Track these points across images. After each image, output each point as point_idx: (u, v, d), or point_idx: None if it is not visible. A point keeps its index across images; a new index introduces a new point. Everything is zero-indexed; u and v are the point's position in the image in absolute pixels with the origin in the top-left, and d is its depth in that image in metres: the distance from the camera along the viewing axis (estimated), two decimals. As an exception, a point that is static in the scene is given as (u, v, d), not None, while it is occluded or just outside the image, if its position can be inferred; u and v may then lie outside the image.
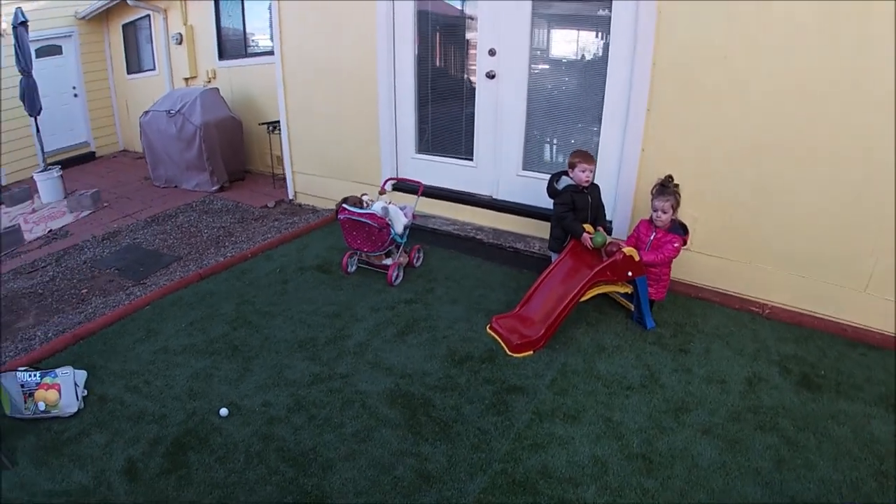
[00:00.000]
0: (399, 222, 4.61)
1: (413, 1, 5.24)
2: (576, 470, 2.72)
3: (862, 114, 3.41)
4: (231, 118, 8.13)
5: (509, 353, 3.66)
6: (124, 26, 10.90)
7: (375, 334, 3.96)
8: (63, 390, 3.25)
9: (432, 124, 5.65)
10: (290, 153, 6.83)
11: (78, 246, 6.19)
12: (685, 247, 3.83)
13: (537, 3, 4.58)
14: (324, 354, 3.75)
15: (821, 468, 2.69)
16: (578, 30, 4.72)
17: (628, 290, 3.86)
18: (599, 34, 4.49)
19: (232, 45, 8.84)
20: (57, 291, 5.08)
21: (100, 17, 11.08)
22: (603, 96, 4.39)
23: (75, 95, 11.28)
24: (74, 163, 10.83)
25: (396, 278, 4.67)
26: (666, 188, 3.67)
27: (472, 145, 5.31)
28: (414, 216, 4.87)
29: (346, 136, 6.15)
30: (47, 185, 8.34)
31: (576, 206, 4.04)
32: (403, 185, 5.56)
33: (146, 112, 8.30)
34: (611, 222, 4.48)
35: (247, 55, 8.57)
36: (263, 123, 7.92)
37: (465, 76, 5.32)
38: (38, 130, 8.66)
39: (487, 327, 3.94)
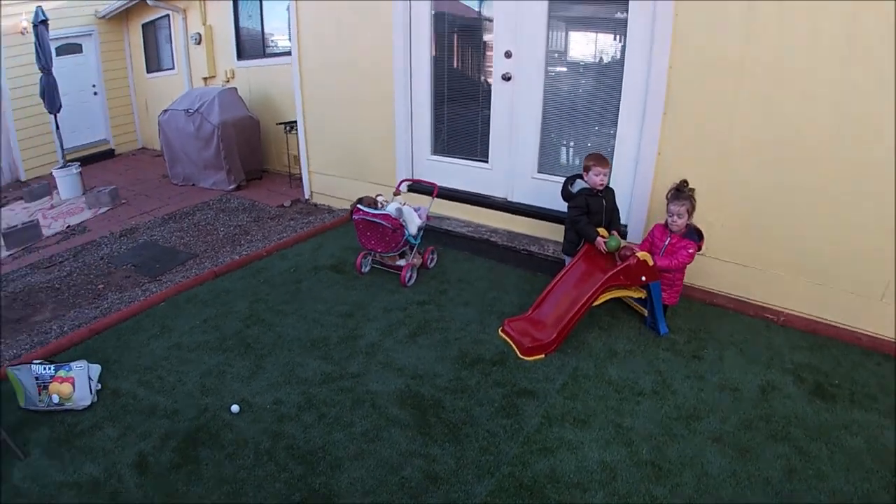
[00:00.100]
0: (413, 223, 4.62)
1: (430, 2, 5.25)
2: (584, 475, 2.71)
3: (885, 120, 3.35)
4: (249, 118, 8.18)
5: (521, 356, 3.65)
6: (144, 26, 11.01)
7: (387, 335, 3.97)
8: (77, 384, 3.29)
9: (448, 126, 5.65)
10: (306, 153, 6.87)
11: (95, 242, 6.26)
12: (700, 252, 3.80)
13: (553, 5, 4.57)
14: (335, 354, 3.77)
15: (832, 479, 2.66)
16: (595, 32, 4.70)
17: (642, 294, 3.83)
18: (616, 36, 4.47)
19: (250, 46, 8.90)
20: (74, 286, 5.14)
21: (120, 17, 11.21)
22: (619, 99, 4.36)
23: (95, 93, 11.41)
24: (94, 160, 10.97)
25: (410, 279, 4.67)
26: (681, 193, 3.65)
27: (488, 147, 5.30)
28: (428, 217, 4.88)
29: (362, 136, 6.17)
30: (66, 182, 8.44)
31: (590, 209, 4.02)
32: (418, 187, 5.57)
33: (165, 111, 8.38)
34: (626, 226, 4.46)
35: (265, 55, 8.62)
36: (281, 123, 7.96)
37: (482, 78, 5.31)
38: (57, 127, 8.76)
39: (499, 330, 3.93)
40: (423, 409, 3.19)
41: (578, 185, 4.07)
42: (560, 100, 4.82)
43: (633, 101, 4.26)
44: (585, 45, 4.80)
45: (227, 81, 9.19)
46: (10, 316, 4.65)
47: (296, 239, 5.78)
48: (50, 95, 8.39)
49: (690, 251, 3.65)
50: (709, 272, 4.20)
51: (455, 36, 5.45)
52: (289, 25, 6.65)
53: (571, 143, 4.98)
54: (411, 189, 5.68)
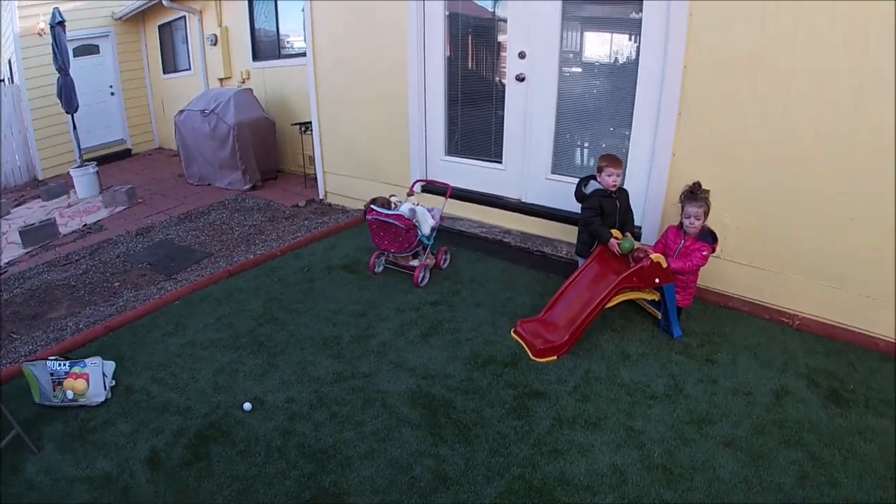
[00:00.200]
0: (426, 224, 4.62)
1: (443, 2, 5.26)
2: (594, 478, 2.69)
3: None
4: (264, 118, 8.24)
5: (532, 357, 3.63)
6: (160, 27, 11.14)
7: (399, 334, 3.97)
8: (91, 380, 3.33)
9: (462, 126, 5.66)
10: (321, 153, 6.91)
11: (112, 240, 6.33)
12: (714, 254, 3.77)
13: (567, 6, 4.56)
14: (347, 353, 3.78)
15: (845, 486, 2.62)
16: (609, 32, 4.68)
17: (655, 297, 3.80)
18: (630, 37, 4.45)
19: (266, 47, 8.96)
20: (90, 284, 5.20)
21: (136, 18, 11.35)
22: (633, 100, 4.34)
23: (112, 94, 11.56)
24: (110, 159, 11.11)
25: (422, 279, 4.68)
26: (695, 195, 3.62)
27: (501, 148, 5.30)
28: (441, 218, 4.88)
29: (376, 137, 6.19)
30: (83, 181, 8.55)
31: (603, 210, 4.00)
32: (432, 187, 5.58)
33: (181, 111, 8.46)
34: (639, 228, 4.43)
35: (280, 56, 8.68)
36: (296, 124, 8.01)
37: (495, 78, 5.31)
38: (74, 127, 8.88)
39: (511, 331, 3.92)
40: (434, 410, 3.19)
41: (592, 186, 4.05)
42: (574, 100, 4.80)
43: (648, 101, 4.24)
44: (600, 46, 4.78)
45: (243, 82, 9.27)
46: (26, 312, 4.71)
47: (310, 239, 5.81)
48: (67, 96, 8.50)
49: (704, 253, 3.62)
50: (723, 274, 4.17)
51: (469, 36, 5.46)
52: (303, 26, 6.69)
53: (585, 144, 4.97)
54: (425, 189, 5.69)
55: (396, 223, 4.46)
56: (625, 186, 4.25)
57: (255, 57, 9.08)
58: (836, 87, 3.46)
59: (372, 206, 4.65)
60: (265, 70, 8.93)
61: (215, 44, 9.50)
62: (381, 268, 4.96)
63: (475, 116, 5.52)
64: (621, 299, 3.72)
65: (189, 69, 10.63)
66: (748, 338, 3.80)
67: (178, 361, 3.76)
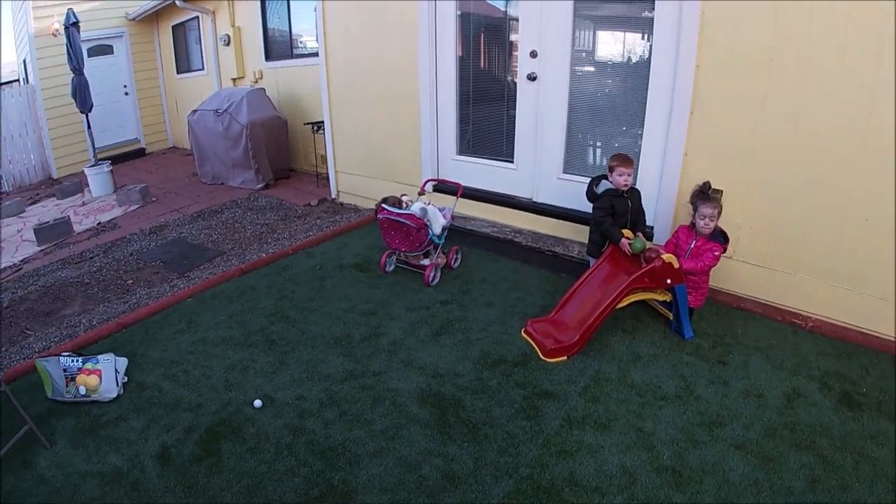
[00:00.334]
0: (437, 223, 4.62)
1: (455, 2, 5.26)
2: (603, 479, 2.68)
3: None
4: (277, 118, 8.27)
5: (543, 357, 3.62)
6: (174, 27, 11.22)
7: (410, 333, 3.98)
8: (104, 376, 3.36)
9: (473, 126, 5.65)
10: (333, 153, 6.93)
11: (125, 238, 6.38)
12: (726, 255, 3.74)
13: (579, 5, 4.54)
14: (358, 351, 3.79)
15: (856, 490, 2.58)
16: (621, 31, 4.65)
17: (667, 297, 3.78)
18: (642, 36, 4.43)
19: (278, 47, 9.00)
20: (103, 281, 5.25)
21: (149, 19, 11.44)
22: (645, 99, 4.32)
23: (126, 93, 11.66)
24: (125, 158, 11.22)
25: (433, 279, 4.68)
26: (706, 194, 3.60)
27: (513, 147, 5.28)
28: (453, 217, 4.88)
29: (387, 136, 6.21)
30: (97, 180, 8.63)
31: (615, 210, 3.98)
32: (443, 187, 5.59)
33: (194, 111, 8.52)
34: (651, 228, 4.40)
35: (293, 56, 8.71)
36: (308, 123, 8.04)
37: (507, 78, 5.30)
38: (89, 127, 8.97)
39: (522, 331, 3.91)
40: (443, 409, 3.19)
41: (603, 185, 4.04)
42: (586, 100, 4.79)
43: (660, 100, 4.22)
44: (611, 45, 4.76)
45: (256, 82, 9.31)
46: (40, 309, 4.77)
47: (321, 237, 5.83)
48: (82, 95, 8.60)
49: (717, 253, 3.60)
50: (736, 275, 4.14)
51: (480, 36, 5.45)
52: (316, 26, 6.71)
53: (597, 144, 4.95)
54: (436, 189, 5.69)
55: (408, 222, 4.46)
56: (636, 186, 4.23)
57: (268, 57, 9.12)
58: (849, 86, 3.42)
59: (383, 205, 4.66)
60: (278, 70, 8.97)
61: (228, 44, 9.55)
62: (392, 267, 4.97)
63: (487, 116, 5.52)
64: (632, 300, 3.70)
65: (202, 69, 10.70)
66: (760, 339, 3.77)
67: (189, 358, 3.78)
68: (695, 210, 3.66)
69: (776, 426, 2.98)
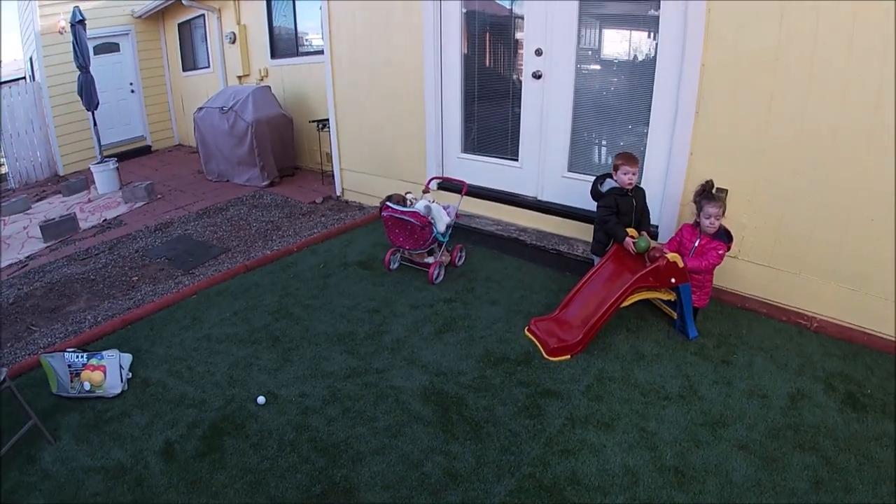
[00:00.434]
0: (442, 221, 4.62)
1: (461, 0, 5.25)
2: (605, 479, 2.68)
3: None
4: (282, 115, 8.28)
5: (546, 356, 3.62)
6: (179, 25, 11.24)
7: (413, 331, 3.98)
8: (108, 372, 3.38)
9: (478, 124, 5.65)
10: (338, 151, 6.94)
11: (131, 235, 6.40)
12: (731, 255, 3.72)
13: (584, 4, 4.53)
14: (361, 349, 3.79)
15: (860, 492, 2.57)
16: (626, 30, 4.64)
17: (671, 296, 3.77)
18: (647, 34, 4.42)
19: (284, 44, 9.00)
20: (108, 278, 5.26)
21: (156, 16, 11.46)
22: (650, 98, 4.31)
23: (132, 91, 11.69)
24: (131, 156, 11.25)
25: (437, 277, 4.68)
26: (710, 193, 3.59)
27: (518, 146, 5.28)
28: (457, 215, 4.88)
29: (392, 134, 6.21)
30: (103, 177, 8.65)
31: (619, 209, 3.98)
32: (448, 185, 5.58)
33: (200, 108, 8.53)
34: (656, 227, 4.38)
35: (298, 54, 8.71)
36: (313, 121, 8.05)
37: (512, 76, 5.30)
38: (95, 124, 9.00)
39: (525, 329, 3.91)
40: (446, 407, 3.19)
41: (608, 184, 4.03)
42: (591, 98, 4.77)
43: (665, 99, 4.20)
44: (616, 43, 4.75)
45: (261, 80, 9.32)
46: (45, 305, 4.78)
47: (326, 235, 5.84)
48: (88, 93, 8.62)
49: (721, 252, 3.59)
50: (741, 275, 4.12)
51: (486, 34, 5.45)
52: (321, 25, 6.72)
53: (602, 142, 4.94)
54: (441, 187, 5.69)
55: (412, 220, 4.47)
56: (641, 185, 4.23)
57: (274, 55, 9.13)
58: (855, 86, 3.40)
59: (388, 203, 4.66)
60: (283, 67, 8.98)
61: (234, 42, 9.56)
62: (396, 265, 4.97)
63: (492, 114, 5.52)
64: (637, 299, 3.70)
65: (208, 67, 10.71)
66: (765, 340, 3.75)
67: (194, 355, 3.80)
68: (699, 209, 3.64)
69: (780, 427, 2.97)
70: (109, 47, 11.15)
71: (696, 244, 3.69)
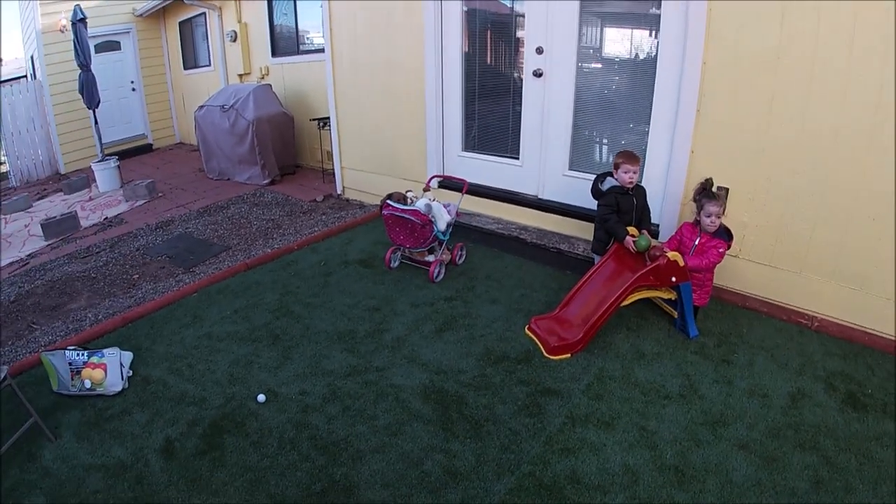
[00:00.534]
0: (442, 219, 4.62)
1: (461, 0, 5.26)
2: (605, 477, 2.68)
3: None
4: (283, 114, 8.28)
5: (546, 355, 3.62)
6: (181, 23, 11.24)
7: (414, 330, 3.98)
8: (109, 370, 3.38)
9: (479, 122, 5.65)
10: (338, 149, 6.94)
11: (132, 233, 6.41)
12: (732, 253, 3.72)
13: (585, 3, 4.53)
14: (362, 347, 3.79)
15: (860, 492, 2.57)
16: (627, 28, 4.62)
17: (672, 295, 3.77)
18: (648, 33, 4.41)
19: (285, 43, 9.00)
20: (109, 276, 5.27)
21: (157, 15, 11.47)
22: (651, 96, 4.30)
23: (133, 89, 11.69)
24: (132, 154, 11.25)
25: (438, 275, 4.68)
26: (711, 192, 3.59)
27: (519, 144, 5.27)
28: (458, 214, 4.88)
29: (393, 133, 6.21)
30: (104, 175, 8.66)
31: (620, 207, 3.97)
32: (449, 183, 5.58)
33: (201, 106, 8.53)
34: (657, 226, 4.38)
35: (299, 52, 8.71)
36: (314, 119, 8.05)
37: (513, 74, 5.29)
38: (96, 122, 9.01)
39: (526, 328, 3.91)
40: (446, 405, 3.19)
41: (608, 182, 4.03)
42: (592, 96, 4.77)
43: (666, 98, 4.20)
44: (618, 42, 4.73)
45: (262, 78, 9.32)
46: (46, 303, 4.79)
47: (326, 233, 5.84)
48: (89, 91, 8.63)
49: (721, 250, 3.58)
50: (742, 274, 4.12)
51: (487, 32, 5.44)
52: (322, 24, 6.72)
53: (603, 141, 4.93)
54: (442, 185, 5.69)
55: (412, 218, 4.47)
56: (642, 183, 4.22)
57: (275, 53, 9.13)
58: (856, 85, 3.39)
59: (388, 201, 4.66)
60: (284, 66, 8.98)
61: (235, 40, 9.56)
62: (396, 263, 4.97)
63: (492, 112, 5.51)
64: (637, 297, 3.70)
65: (209, 65, 10.71)
66: (766, 339, 3.75)
67: (194, 353, 3.80)
68: (699, 208, 3.64)
69: (780, 426, 2.97)
70: (110, 45, 11.15)
71: (697, 242, 3.69)
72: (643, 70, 4.41)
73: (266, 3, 8.90)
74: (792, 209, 3.81)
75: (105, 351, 3.45)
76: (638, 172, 3.98)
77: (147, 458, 2.88)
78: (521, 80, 5.10)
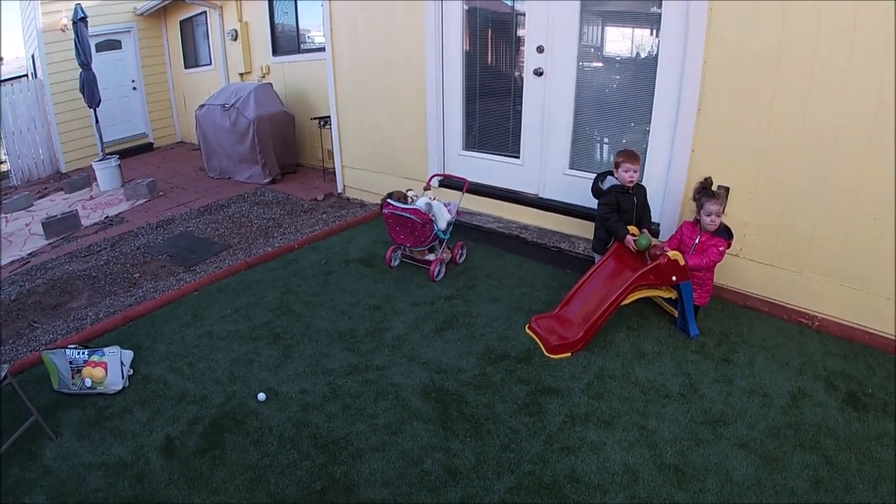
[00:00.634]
0: (442, 218, 4.62)
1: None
2: (605, 477, 2.68)
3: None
4: (284, 112, 8.28)
5: (546, 354, 3.62)
6: (181, 22, 11.25)
7: (414, 328, 3.98)
8: (109, 368, 3.39)
9: (480, 121, 5.65)
10: (339, 148, 6.95)
11: (132, 232, 6.42)
12: (733, 253, 3.71)
13: (586, 2, 4.53)
14: (362, 346, 3.80)
15: (860, 492, 2.56)
16: (628, 27, 4.62)
17: (672, 294, 3.77)
18: (649, 32, 4.40)
19: (286, 41, 9.00)
20: (110, 275, 5.27)
21: (157, 14, 11.47)
22: (652, 95, 4.29)
23: (134, 88, 11.70)
24: (133, 153, 11.26)
25: (438, 274, 4.68)
26: (710, 191, 3.59)
27: (519, 143, 5.27)
28: (458, 213, 4.88)
29: (394, 132, 6.21)
30: (105, 174, 8.67)
31: (620, 206, 3.97)
32: (449, 182, 5.58)
33: (202, 105, 8.54)
34: (658, 225, 4.38)
35: (300, 51, 8.72)
36: (315, 118, 8.05)
37: (514, 73, 5.29)
38: (97, 121, 9.01)
39: (526, 327, 3.91)
40: (446, 404, 3.19)
41: (609, 181, 4.03)
42: (593, 95, 4.76)
43: (667, 97, 4.19)
44: (618, 41, 4.73)
45: (263, 77, 9.32)
46: (47, 302, 4.79)
47: (327, 232, 5.85)
48: (90, 90, 8.63)
49: (721, 249, 3.58)
50: (742, 273, 4.12)
51: (487, 31, 5.44)
52: (323, 24, 6.72)
53: (604, 140, 4.93)
54: (442, 184, 5.69)
55: (413, 217, 4.47)
56: (643, 183, 4.22)
57: (275, 52, 9.13)
58: (856, 85, 3.39)
59: (388, 200, 4.66)
60: (285, 64, 8.98)
61: (236, 39, 9.56)
62: (397, 262, 4.98)
63: (493, 111, 5.51)
64: (637, 296, 3.69)
65: (210, 64, 10.71)
66: (766, 338, 3.75)
67: (195, 352, 3.80)
68: (699, 206, 3.64)
69: (780, 426, 2.97)
70: (111, 44, 11.16)
71: (697, 241, 3.69)
72: (644, 69, 4.41)
73: (267, 2, 8.91)
74: (792, 209, 3.80)
75: (106, 349, 3.46)
76: (638, 171, 3.98)
77: (147, 456, 2.89)
78: (522, 78, 5.10)
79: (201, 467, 2.80)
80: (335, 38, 6.41)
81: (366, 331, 3.97)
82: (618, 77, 4.75)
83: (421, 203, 4.57)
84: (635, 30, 4.57)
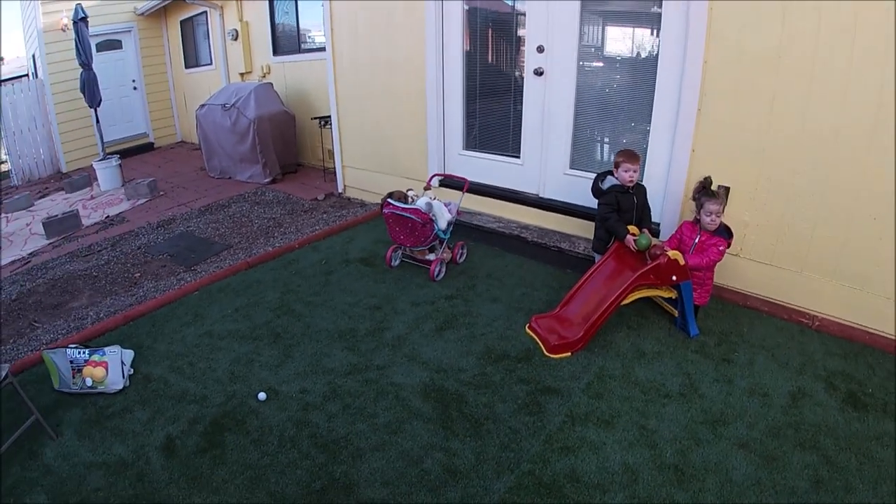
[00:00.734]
0: (443, 218, 4.62)
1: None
2: (605, 476, 2.68)
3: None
4: (284, 112, 8.28)
5: (546, 353, 3.62)
6: (182, 22, 11.26)
7: (414, 328, 3.98)
8: (110, 368, 3.39)
9: (480, 121, 5.65)
10: (340, 148, 6.95)
11: (133, 232, 6.42)
12: (733, 252, 3.71)
13: (586, 2, 4.53)
14: (362, 345, 3.80)
15: (860, 492, 2.56)
16: (628, 27, 4.62)
17: (672, 294, 3.77)
18: (650, 32, 4.40)
19: (286, 41, 9.01)
20: (111, 274, 5.28)
21: (158, 14, 11.48)
22: (653, 95, 4.29)
23: (135, 88, 11.71)
24: (133, 153, 11.27)
25: (438, 274, 4.68)
26: (710, 190, 3.59)
27: (520, 143, 5.27)
28: (458, 212, 4.88)
29: (394, 131, 6.21)
30: (106, 174, 8.68)
31: (620, 206, 3.97)
32: (449, 182, 5.59)
33: (202, 105, 8.55)
34: (658, 224, 4.38)
35: (301, 51, 8.72)
36: (316, 118, 8.05)
37: (514, 73, 5.29)
38: (97, 121, 9.02)
39: (526, 327, 3.91)
40: (446, 404, 3.19)
41: (609, 181, 4.03)
42: (593, 95, 4.76)
43: (667, 97, 4.19)
44: (619, 41, 4.73)
45: (263, 76, 9.33)
46: (48, 301, 4.80)
47: (327, 232, 5.85)
48: (90, 90, 8.64)
49: (721, 248, 3.58)
50: (742, 273, 4.12)
51: (488, 31, 5.44)
52: (323, 24, 6.72)
53: (605, 139, 4.93)
54: (443, 184, 5.69)
55: (413, 217, 4.47)
56: (643, 182, 4.22)
57: (276, 51, 9.13)
58: (857, 85, 3.39)
59: (389, 199, 4.66)
60: (285, 64, 8.99)
61: (236, 38, 9.57)
62: (397, 261, 4.98)
63: (493, 111, 5.51)
64: (637, 296, 3.69)
65: (210, 64, 10.72)
66: (766, 338, 3.75)
67: (195, 351, 3.81)
68: (699, 206, 3.64)
69: (780, 425, 2.97)
70: (112, 44, 11.17)
71: (697, 241, 3.69)
72: (644, 69, 4.41)
73: (267, 1, 8.91)
74: (793, 208, 3.80)
75: (106, 349, 3.47)
76: (638, 171, 3.98)
77: (148, 455, 2.89)
78: (522, 78, 5.10)
79: (202, 467, 2.81)
80: (336, 37, 6.41)
81: (366, 330, 3.98)
82: (618, 77, 4.75)
83: (421, 203, 4.57)
84: (635, 30, 4.57)
